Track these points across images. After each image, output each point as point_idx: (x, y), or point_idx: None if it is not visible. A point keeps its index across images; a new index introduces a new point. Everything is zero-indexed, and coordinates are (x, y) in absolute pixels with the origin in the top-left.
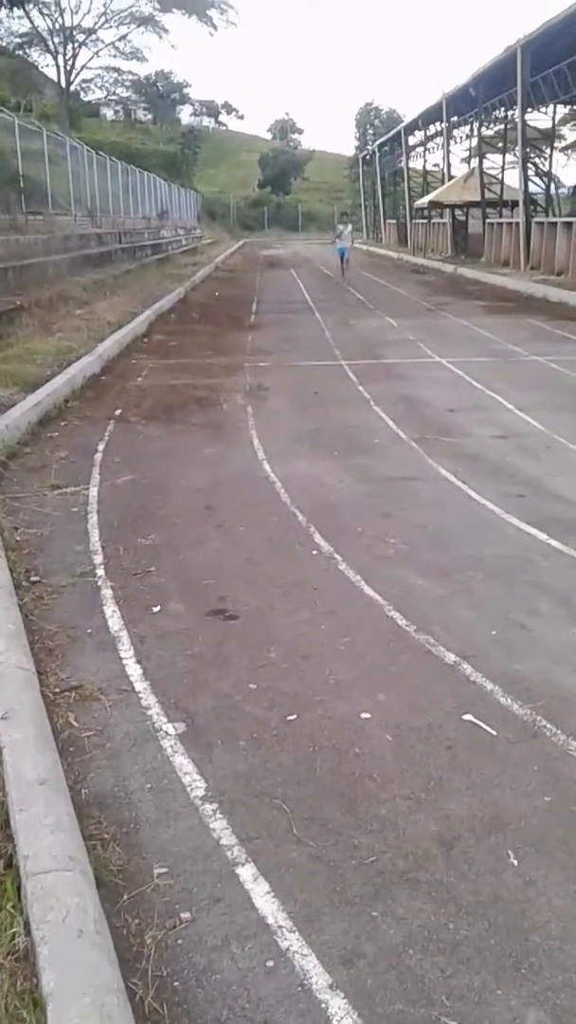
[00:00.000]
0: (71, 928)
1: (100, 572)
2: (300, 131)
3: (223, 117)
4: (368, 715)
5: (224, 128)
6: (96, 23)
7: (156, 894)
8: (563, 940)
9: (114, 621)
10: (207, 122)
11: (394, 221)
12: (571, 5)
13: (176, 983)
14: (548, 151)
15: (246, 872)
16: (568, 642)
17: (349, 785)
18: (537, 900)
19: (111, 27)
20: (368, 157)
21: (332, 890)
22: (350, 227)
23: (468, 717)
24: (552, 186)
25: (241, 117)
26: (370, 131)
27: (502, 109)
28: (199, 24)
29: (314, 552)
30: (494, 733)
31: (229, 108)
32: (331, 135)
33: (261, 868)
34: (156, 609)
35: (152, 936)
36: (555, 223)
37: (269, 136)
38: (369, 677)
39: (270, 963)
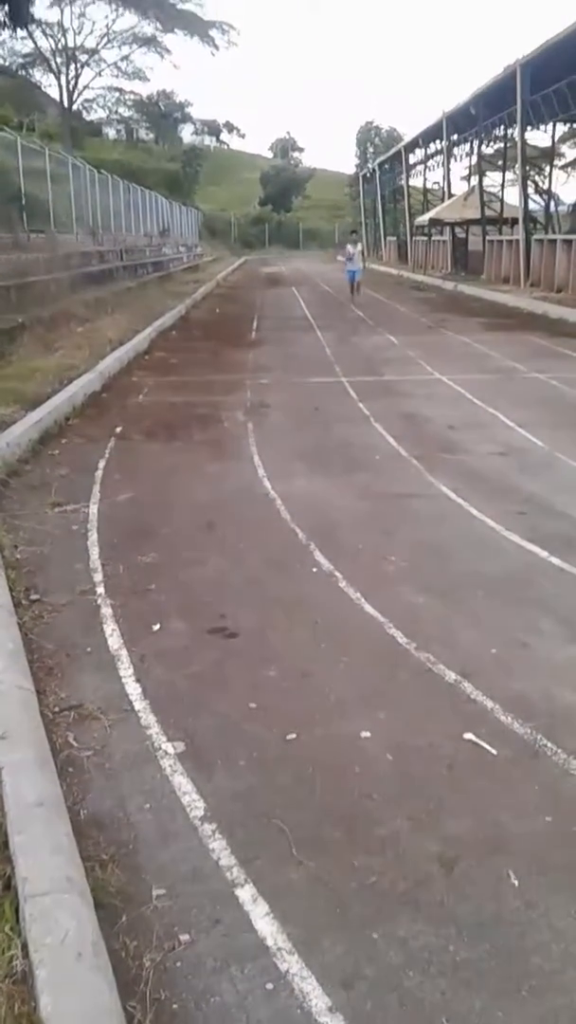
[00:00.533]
0: (69, 950)
1: (100, 590)
2: (301, 149)
3: (224, 136)
4: (368, 734)
5: (225, 147)
6: (98, 44)
7: (155, 916)
8: (564, 962)
9: (114, 640)
10: (208, 141)
11: (394, 238)
12: (569, 26)
13: (175, 1006)
14: (548, 169)
15: (245, 893)
16: (569, 660)
17: (349, 805)
18: (538, 922)
19: (113, 47)
20: (368, 175)
21: (332, 912)
22: (360, 246)
23: (469, 736)
24: (552, 204)
25: (242, 136)
26: (370, 149)
27: (502, 127)
28: (201, 44)
29: (314, 570)
30: (495, 752)
31: (230, 127)
32: (332, 153)
33: (261, 889)
34: (156, 627)
35: (151, 958)
36: (555, 240)
37: (270, 154)
38: (369, 696)
39: (269, 986)
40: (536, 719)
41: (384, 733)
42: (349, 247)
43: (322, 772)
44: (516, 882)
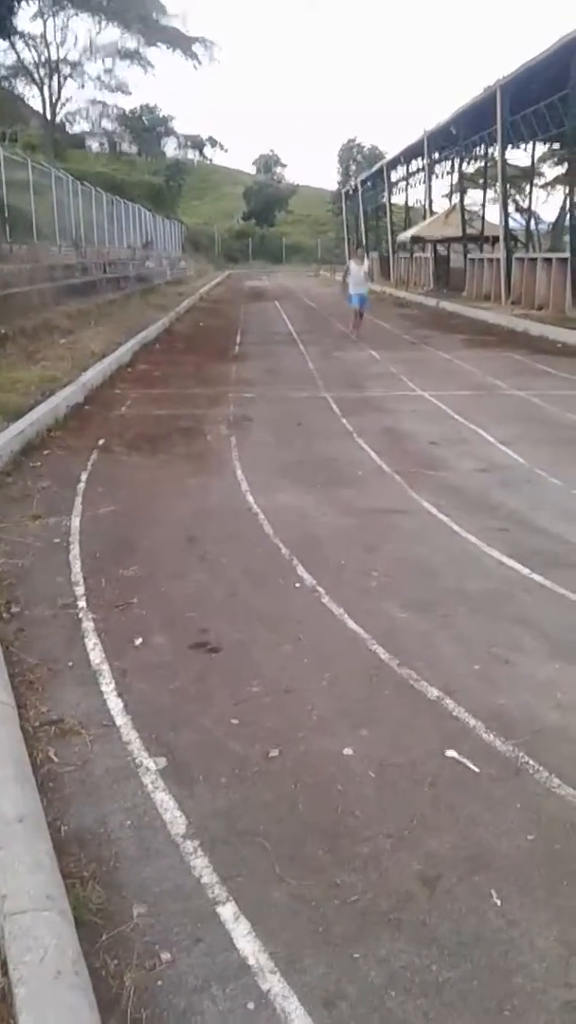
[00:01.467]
0: (49, 969)
1: (82, 604)
2: (284, 165)
3: (208, 150)
4: (351, 751)
5: (209, 161)
6: (81, 56)
7: (136, 934)
8: (546, 982)
9: (95, 654)
10: (192, 155)
11: (376, 255)
12: (547, 48)
13: None
14: (528, 188)
15: (227, 911)
16: (550, 677)
17: (331, 823)
18: (520, 941)
19: (96, 60)
20: (351, 192)
21: (314, 930)
22: (367, 263)
23: (451, 753)
24: (532, 222)
25: (225, 151)
26: (353, 166)
27: (483, 146)
28: (184, 59)
29: (297, 585)
30: (477, 770)
31: (214, 142)
32: (314, 170)
33: (242, 907)
34: (138, 642)
35: (131, 977)
36: (535, 259)
37: (253, 170)
38: (352, 712)
39: (251, 1005)
40: (518, 736)
41: (367, 750)
42: (352, 264)
43: (304, 789)
44: (499, 901)
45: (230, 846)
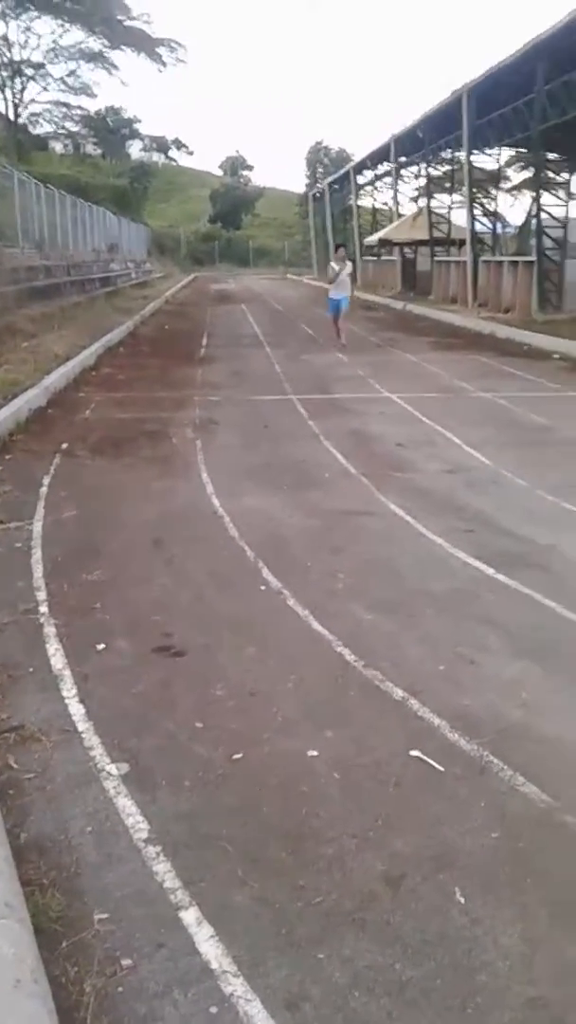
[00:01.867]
0: (7, 978)
1: (43, 609)
2: (250, 168)
3: (173, 153)
4: (315, 752)
5: (174, 163)
6: (45, 58)
7: (97, 940)
8: (509, 979)
9: (57, 659)
10: (157, 157)
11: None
12: (512, 53)
13: None
14: (494, 192)
15: (190, 916)
16: (514, 676)
17: (295, 825)
18: (484, 939)
19: (60, 62)
20: (318, 195)
21: (277, 933)
22: (350, 265)
23: (416, 753)
24: (498, 226)
25: (191, 153)
26: (320, 169)
27: (449, 150)
28: (148, 61)
29: (263, 587)
30: (441, 769)
31: (179, 144)
32: (281, 172)
33: (205, 912)
34: (101, 647)
35: (92, 984)
36: (501, 262)
37: (220, 172)
38: (317, 714)
39: (213, 1009)
40: (483, 735)
41: (331, 751)
42: (333, 265)
43: (268, 792)
44: (462, 899)
45: (193, 850)
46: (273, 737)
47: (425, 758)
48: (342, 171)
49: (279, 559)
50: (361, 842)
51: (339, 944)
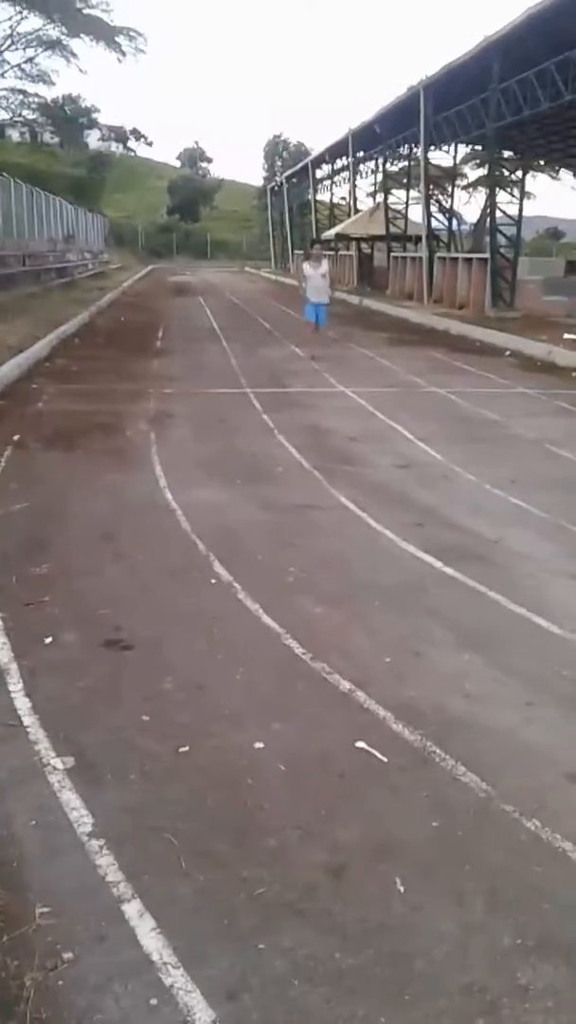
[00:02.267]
0: None
1: None
2: (209, 160)
3: (132, 143)
4: (262, 745)
5: (132, 154)
6: (2, 45)
7: (38, 935)
8: (447, 965)
9: (3, 653)
10: (115, 147)
11: (302, 252)
12: (469, 50)
13: None
14: (450, 188)
15: (132, 908)
16: (459, 668)
17: (240, 817)
18: (423, 926)
19: (17, 49)
20: (276, 188)
21: (219, 924)
22: (326, 264)
23: (360, 744)
24: (454, 222)
25: (150, 144)
26: (278, 163)
27: (406, 146)
28: (108, 50)
29: (213, 581)
30: (385, 760)
31: (138, 135)
32: (240, 165)
33: (148, 904)
34: (48, 640)
35: (32, 978)
36: (456, 259)
37: (178, 164)
38: (264, 706)
39: (154, 1001)
40: (426, 726)
41: (278, 743)
42: (308, 267)
43: (214, 784)
44: (402, 888)
45: (137, 843)
46: (220, 730)
47: (370, 749)
48: (300, 165)
49: (231, 553)
50: (304, 833)
51: (280, 935)
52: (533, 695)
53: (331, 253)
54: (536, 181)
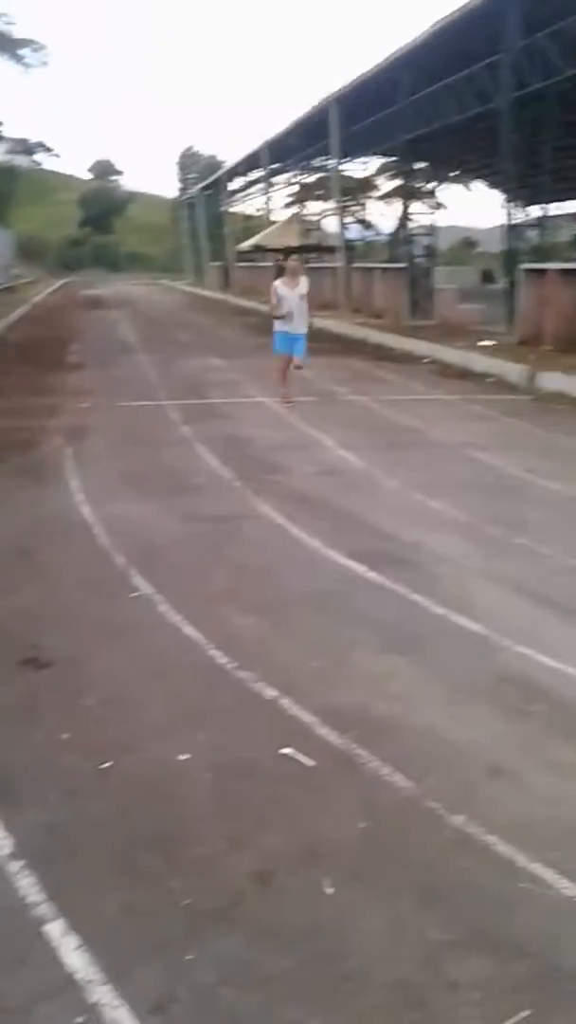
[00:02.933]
0: None
1: None
2: (120, 172)
3: (39, 156)
4: (187, 756)
5: (39, 167)
6: None
7: None
8: (376, 963)
9: None
10: (21, 160)
11: (218, 264)
12: (379, 63)
13: None
14: (365, 199)
15: (55, 928)
16: (383, 670)
17: (165, 829)
18: (352, 926)
19: None
20: (191, 200)
21: (145, 938)
22: (305, 283)
23: (286, 751)
24: (371, 232)
25: (57, 156)
26: (192, 174)
27: (321, 158)
28: (11, 62)
29: (134, 595)
30: (312, 765)
31: (45, 147)
32: (153, 177)
33: (71, 923)
34: None
35: None
36: (373, 269)
37: (89, 176)
38: (188, 718)
39: (78, 1019)
40: (352, 729)
41: (203, 754)
42: (281, 286)
43: (138, 798)
44: (331, 890)
45: (59, 862)
46: (143, 744)
47: (296, 755)
48: (214, 176)
49: (151, 566)
50: (232, 842)
51: (208, 944)
52: (456, 693)
53: (248, 264)
54: (450, 192)
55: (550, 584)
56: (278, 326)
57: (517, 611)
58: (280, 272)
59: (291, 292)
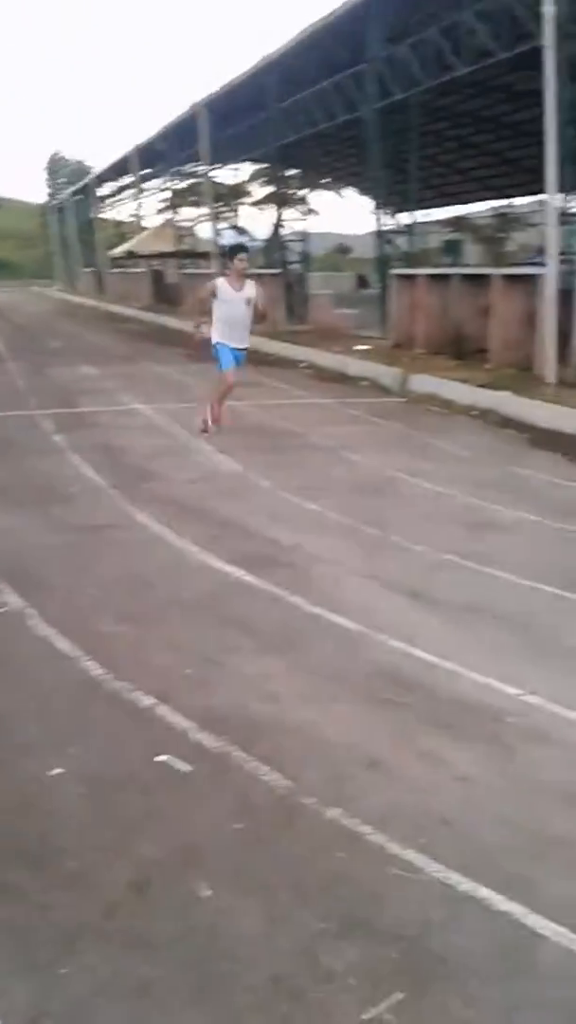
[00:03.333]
0: None
1: None
2: None
3: None
4: (60, 770)
5: None
6: None
7: None
8: (251, 963)
9: None
10: None
11: (91, 270)
12: (247, 70)
13: None
14: (238, 206)
15: None
16: (258, 672)
17: (38, 845)
18: (228, 928)
19: None
20: (61, 206)
21: (18, 956)
22: (251, 288)
23: (162, 758)
24: (246, 238)
25: None
26: (62, 179)
27: (192, 163)
28: None
29: (2, 609)
30: (189, 770)
31: None
32: (20, 183)
33: None
34: None
35: None
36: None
37: None
38: (61, 732)
39: None
40: (229, 732)
41: (77, 767)
42: (223, 286)
43: (8, 817)
44: (208, 892)
45: None
46: (12, 760)
47: (172, 761)
48: (83, 182)
49: (23, 579)
50: (106, 853)
51: (82, 956)
52: (332, 690)
53: (121, 270)
54: (323, 198)
55: (423, 580)
56: (219, 336)
57: (391, 607)
58: (224, 271)
59: (236, 295)
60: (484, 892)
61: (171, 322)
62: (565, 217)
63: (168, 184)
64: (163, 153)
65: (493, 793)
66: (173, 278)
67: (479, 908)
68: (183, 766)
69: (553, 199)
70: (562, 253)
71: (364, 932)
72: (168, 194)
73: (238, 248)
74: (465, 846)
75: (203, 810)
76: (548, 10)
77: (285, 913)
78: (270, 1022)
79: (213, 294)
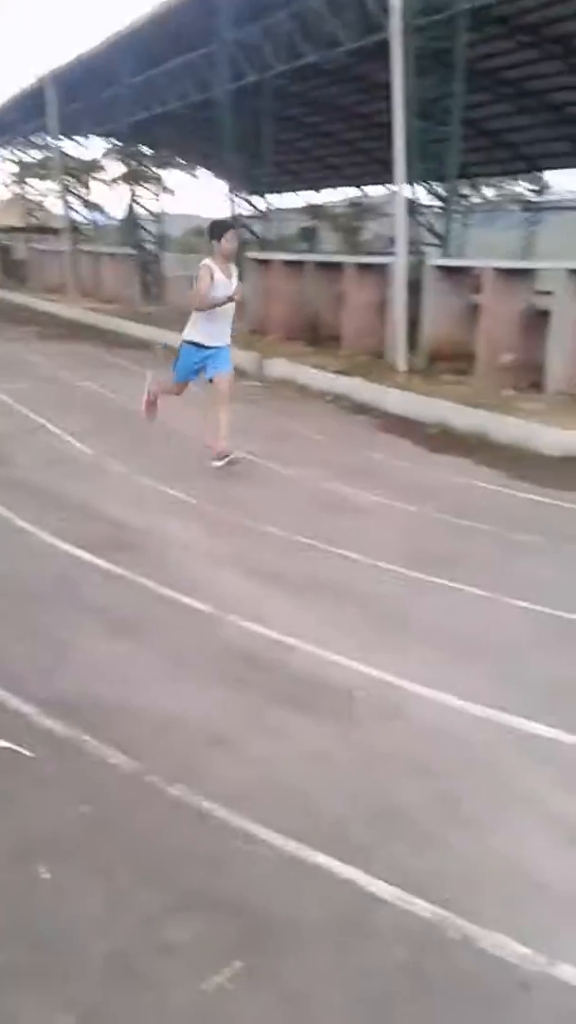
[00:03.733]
0: None
1: None
2: None
3: None
4: None
5: None
6: None
7: None
8: (89, 941)
9: None
10: None
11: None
12: (98, 44)
13: None
14: (91, 181)
15: None
16: (107, 655)
17: None
18: (68, 908)
19: None
20: None
21: None
22: (236, 279)
23: (4, 744)
24: (100, 216)
25: None
26: None
27: (42, 135)
28: None
29: None
30: (32, 755)
31: None
32: None
33: None
34: None
35: None
36: (101, 254)
37: None
38: None
39: None
40: (75, 716)
41: None
42: (215, 267)
43: None
44: (48, 875)
45: None
46: None
47: (17, 748)
48: None
49: None
50: None
51: None
52: (180, 671)
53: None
54: (182, 180)
55: (275, 562)
56: (198, 333)
57: (243, 588)
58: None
59: (227, 281)
60: (326, 861)
61: (18, 298)
62: (415, 208)
63: (15, 156)
64: (9, 125)
65: (339, 767)
66: (22, 253)
67: (321, 877)
68: (28, 752)
69: (401, 190)
70: (411, 243)
71: (205, 906)
72: (16, 168)
73: (225, 225)
74: (310, 818)
75: (47, 796)
76: (394, 2)
77: (124, 891)
78: (108, 997)
79: (208, 280)
